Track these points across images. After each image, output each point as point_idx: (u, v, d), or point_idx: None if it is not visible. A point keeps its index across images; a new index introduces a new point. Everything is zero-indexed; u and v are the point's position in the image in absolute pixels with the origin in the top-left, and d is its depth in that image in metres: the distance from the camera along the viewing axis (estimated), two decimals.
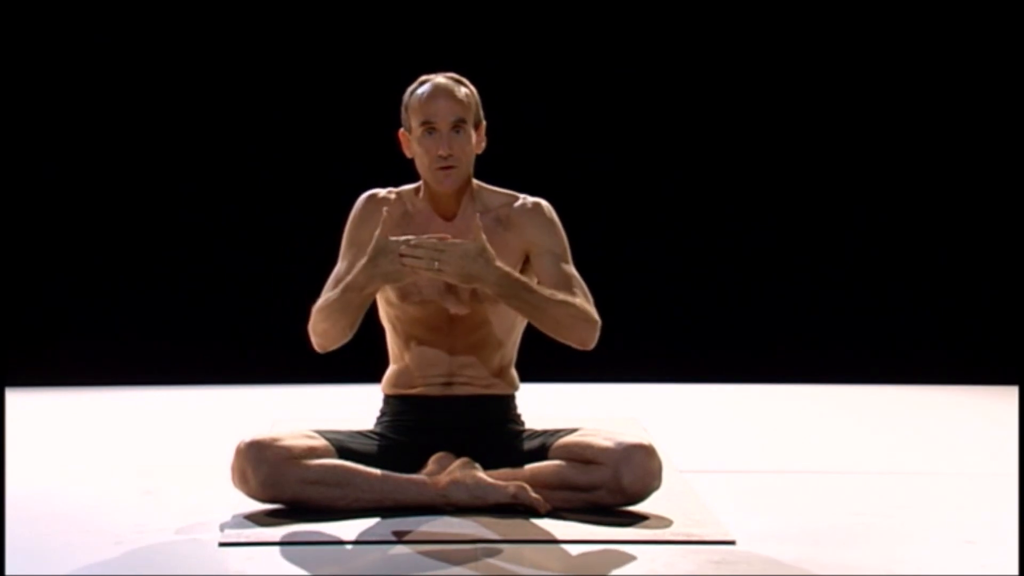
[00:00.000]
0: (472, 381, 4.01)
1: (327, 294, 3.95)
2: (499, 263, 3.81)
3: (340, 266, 4.01)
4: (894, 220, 6.89)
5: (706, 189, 6.92)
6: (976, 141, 6.86)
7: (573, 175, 6.80)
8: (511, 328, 4.04)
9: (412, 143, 3.97)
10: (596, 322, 3.93)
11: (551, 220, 4.03)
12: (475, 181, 4.04)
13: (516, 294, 3.85)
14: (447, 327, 3.99)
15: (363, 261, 3.83)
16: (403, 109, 4.00)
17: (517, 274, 3.87)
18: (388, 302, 4.03)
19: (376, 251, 3.82)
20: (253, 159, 6.82)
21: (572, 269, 4.01)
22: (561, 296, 3.90)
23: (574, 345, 3.95)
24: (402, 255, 3.78)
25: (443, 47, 6.67)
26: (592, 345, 3.96)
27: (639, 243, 6.92)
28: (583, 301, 3.94)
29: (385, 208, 3.88)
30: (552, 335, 3.92)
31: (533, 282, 3.94)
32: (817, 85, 6.87)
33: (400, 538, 3.66)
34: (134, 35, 6.74)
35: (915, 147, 6.88)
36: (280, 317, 6.69)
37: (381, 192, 4.07)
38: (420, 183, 4.04)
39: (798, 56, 6.86)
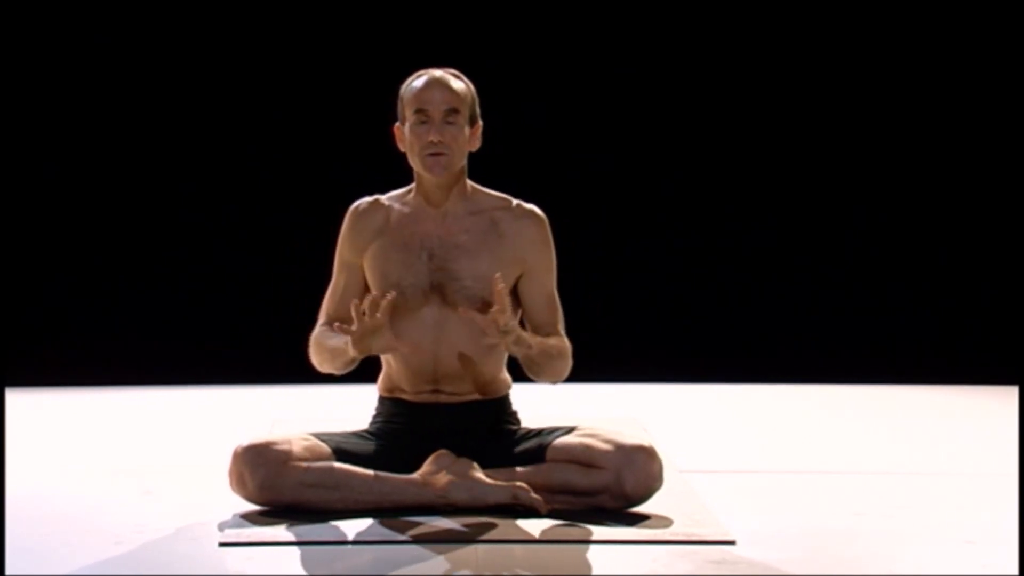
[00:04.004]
0: (460, 389, 3.99)
1: (323, 323, 4.00)
2: (520, 340, 3.83)
3: (334, 283, 4.06)
4: (894, 220, 6.89)
5: (706, 189, 6.92)
6: (976, 141, 6.86)
7: (573, 175, 6.80)
8: None
9: (405, 133, 3.97)
10: (570, 361, 3.99)
11: (546, 239, 4.03)
12: (469, 182, 4.04)
13: (531, 357, 3.90)
14: (433, 336, 3.98)
15: (351, 339, 3.80)
16: (398, 101, 4.00)
17: (531, 340, 3.89)
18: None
19: (365, 332, 3.79)
20: (253, 159, 6.81)
21: (555, 294, 4.04)
22: (557, 348, 3.95)
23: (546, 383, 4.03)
24: None
25: (442, 48, 6.65)
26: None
27: (639, 243, 6.92)
28: (565, 340, 3.99)
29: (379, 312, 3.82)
30: (531, 376, 3.97)
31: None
32: (817, 85, 6.87)
33: (399, 538, 3.66)
34: (134, 35, 6.73)
35: (915, 147, 6.88)
36: (280, 317, 6.69)
37: (364, 204, 4.06)
38: (410, 186, 4.05)
39: (798, 56, 6.86)
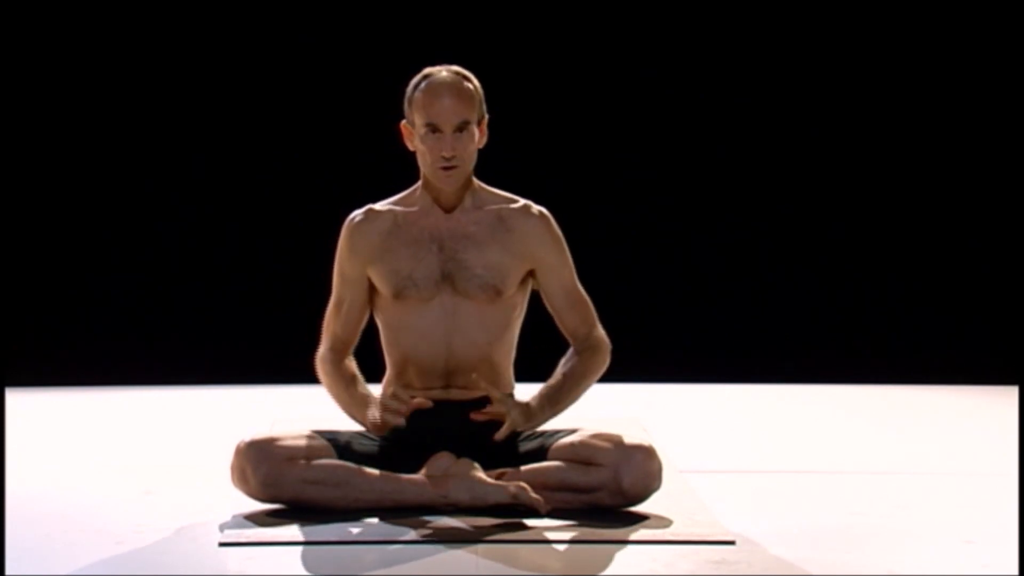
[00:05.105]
0: (469, 384, 4.00)
1: (330, 346, 4.03)
2: (530, 413, 3.91)
3: (336, 300, 4.06)
4: (894, 220, 6.89)
5: (707, 189, 6.92)
6: (976, 141, 6.86)
7: (573, 175, 6.80)
8: (506, 329, 4.04)
9: (415, 139, 3.97)
10: (610, 350, 4.05)
11: (556, 236, 4.04)
12: (475, 181, 4.04)
13: (556, 412, 3.99)
14: (444, 327, 3.98)
15: (372, 411, 3.89)
16: (406, 102, 3.98)
17: (544, 398, 3.96)
18: (382, 306, 4.03)
19: (387, 426, 3.88)
20: (253, 158, 6.81)
21: (579, 286, 4.07)
22: (583, 366, 4.03)
23: None
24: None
25: (442, 49, 6.65)
26: None
27: (640, 242, 6.92)
28: (598, 335, 4.05)
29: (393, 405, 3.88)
30: None
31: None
32: (819, 84, 6.87)
33: (400, 538, 3.66)
34: (135, 36, 6.73)
35: (916, 147, 6.88)
36: (280, 317, 6.70)
37: (359, 216, 4.05)
38: (415, 187, 4.05)
39: (797, 58, 6.86)
